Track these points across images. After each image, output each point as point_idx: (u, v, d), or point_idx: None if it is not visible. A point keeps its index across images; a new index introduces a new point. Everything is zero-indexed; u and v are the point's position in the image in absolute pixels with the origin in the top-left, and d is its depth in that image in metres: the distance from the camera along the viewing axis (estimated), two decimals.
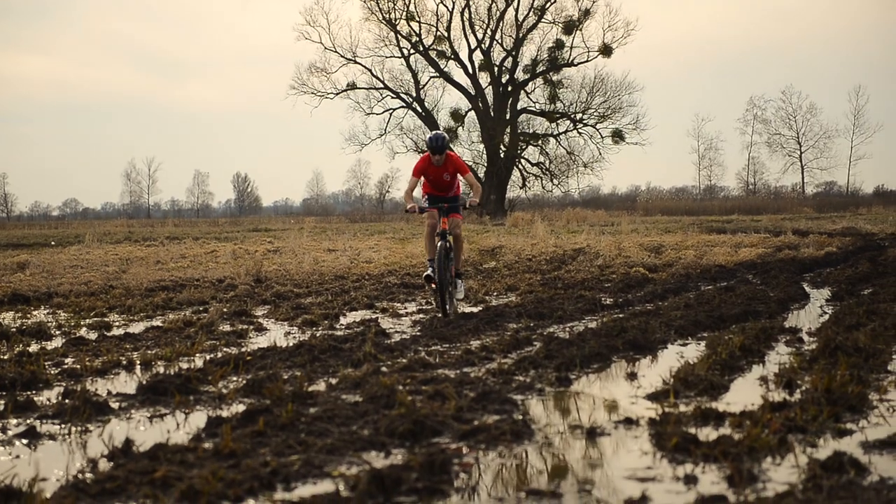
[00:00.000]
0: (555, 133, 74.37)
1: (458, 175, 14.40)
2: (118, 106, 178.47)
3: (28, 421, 7.19)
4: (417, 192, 15.03)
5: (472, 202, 14.13)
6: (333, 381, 8.65)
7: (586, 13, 72.44)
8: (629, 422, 6.94)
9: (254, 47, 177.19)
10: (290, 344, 10.67)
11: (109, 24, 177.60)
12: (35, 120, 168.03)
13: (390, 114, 74.53)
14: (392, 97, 74.32)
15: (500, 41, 74.15)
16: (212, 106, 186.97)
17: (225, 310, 14.27)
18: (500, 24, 73.73)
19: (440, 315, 13.58)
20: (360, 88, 73.79)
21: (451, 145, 74.53)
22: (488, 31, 73.78)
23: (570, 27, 72.70)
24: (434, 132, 14.15)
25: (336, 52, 73.10)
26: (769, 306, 13.77)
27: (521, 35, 73.64)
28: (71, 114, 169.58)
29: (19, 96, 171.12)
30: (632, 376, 8.86)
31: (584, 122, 73.43)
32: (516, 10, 73.60)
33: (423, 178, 14.36)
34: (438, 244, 13.73)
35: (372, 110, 74.12)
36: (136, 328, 12.72)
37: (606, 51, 72.10)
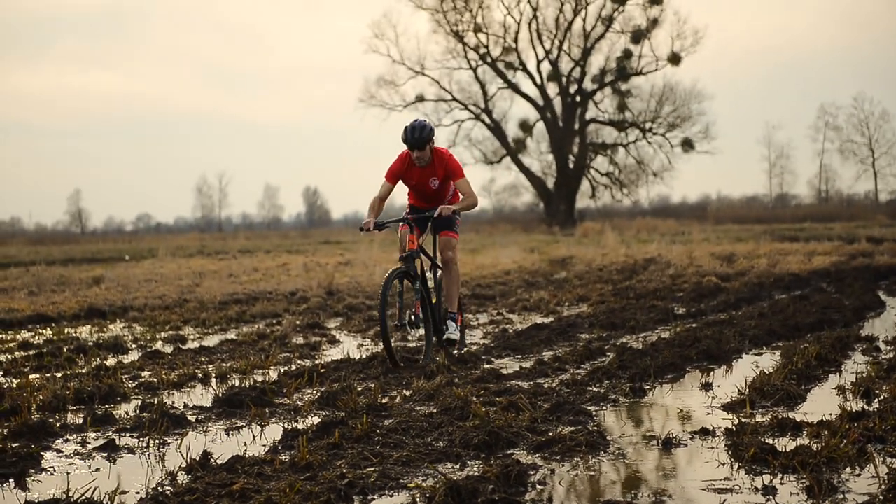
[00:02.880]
0: (624, 142, 74.05)
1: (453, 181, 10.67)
2: (189, 121, 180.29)
3: (107, 434, 7.28)
4: (392, 200, 11.70)
5: (442, 210, 10.37)
6: (407, 392, 8.67)
7: (654, 22, 72.06)
8: (705, 432, 6.88)
9: (322, 60, 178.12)
10: (363, 356, 10.72)
11: (179, 40, 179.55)
12: (108, 136, 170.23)
13: (459, 125, 74.59)
14: (460, 108, 74.36)
15: (567, 51, 73.97)
16: (281, 119, 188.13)
17: (298, 322, 14.35)
18: (568, 34, 73.56)
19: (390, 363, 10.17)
20: (428, 100, 73.95)
21: (519, 155, 74.44)
22: (556, 42, 73.65)
23: (639, 36, 72.34)
24: (415, 120, 10.55)
25: (404, 64, 73.30)
26: (844, 315, 13.60)
27: (588, 45, 73.42)
28: (143, 129, 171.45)
29: (93, 113, 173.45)
30: (706, 386, 8.79)
31: (654, 131, 73.01)
32: (584, 20, 73.39)
33: (408, 187, 10.99)
34: (394, 271, 10.27)
35: (440, 122, 74.20)
36: (211, 341, 12.84)
37: (675, 59, 71.66)
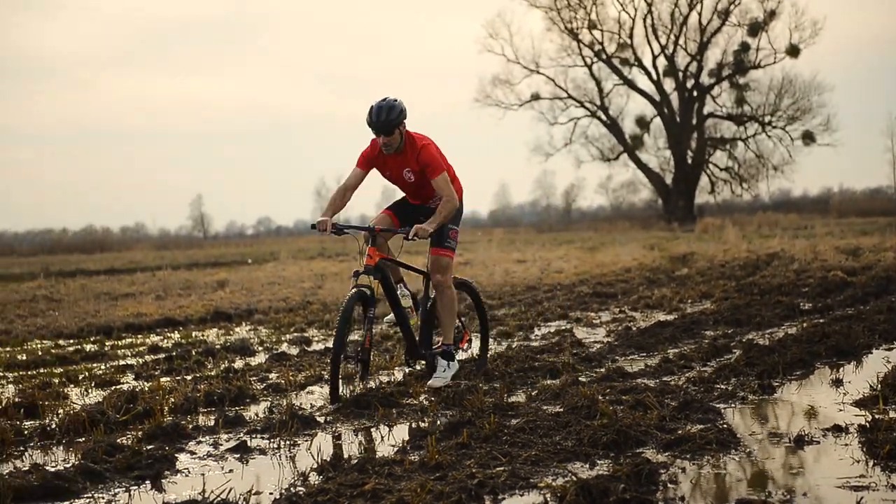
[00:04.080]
0: (743, 137, 73.00)
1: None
2: (307, 125, 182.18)
3: (239, 436, 7.40)
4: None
5: (417, 232, 8.62)
6: (533, 392, 8.65)
7: (772, 14, 70.88)
8: (837, 429, 6.76)
9: (435, 61, 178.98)
10: (488, 355, 10.72)
11: (295, 46, 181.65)
12: (228, 142, 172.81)
13: (575, 123, 74.20)
14: (576, 106, 73.97)
15: (683, 46, 73.14)
16: None
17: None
18: (684, 28, 72.76)
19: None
20: (543, 99, 73.75)
21: (636, 152, 73.88)
22: (671, 37, 72.88)
23: (756, 29, 71.23)
24: (383, 98, 8.91)
25: (519, 63, 73.19)
26: None
27: (705, 39, 72.52)
28: (262, 135, 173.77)
29: (212, 119, 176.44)
30: (837, 382, 8.64)
31: (773, 124, 71.84)
32: (700, 15, 72.49)
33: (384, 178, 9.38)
34: (352, 293, 8.71)
35: (556, 120, 73.94)
36: None
37: (793, 51, 70.42)
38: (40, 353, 12.93)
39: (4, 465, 6.65)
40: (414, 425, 7.46)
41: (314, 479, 5.98)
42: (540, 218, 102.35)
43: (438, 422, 7.47)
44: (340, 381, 8.85)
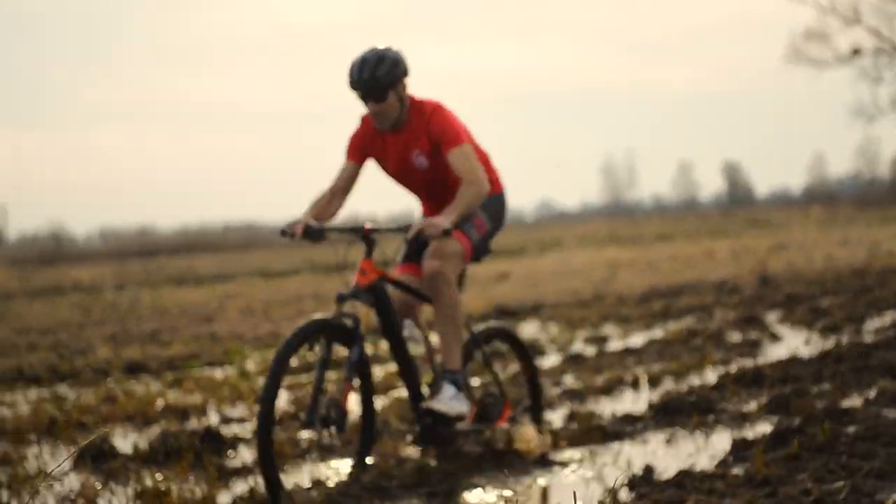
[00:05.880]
0: None
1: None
2: (588, 96, 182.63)
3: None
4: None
5: (425, 229, 6.64)
6: (871, 394, 8.44)
7: None
8: None
9: (736, 15, 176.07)
10: (813, 353, 10.51)
11: (574, 9, 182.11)
12: (507, 115, 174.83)
13: None
14: None
15: None
16: (693, 86, 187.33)
17: (731, 316, 14.27)
18: None
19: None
20: (866, 54, 71.53)
21: None
22: None
23: None
24: (368, 49, 6.92)
25: (835, 13, 71.25)
26: None
27: None
28: (538, 109, 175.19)
29: (487, 92, 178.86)
30: None
31: None
32: None
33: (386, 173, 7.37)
34: (310, 325, 6.70)
35: (882, 77, 71.64)
36: (636, 340, 12.94)
37: None
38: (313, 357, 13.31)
39: (285, 480, 6.72)
40: (735, 434, 7.39)
41: (625, 495, 6.02)
42: (863, 192, 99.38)
43: (763, 430, 7.38)
44: (280, 472, 6.44)
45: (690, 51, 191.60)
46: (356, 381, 6.82)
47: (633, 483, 6.16)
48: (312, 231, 6.82)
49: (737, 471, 6.23)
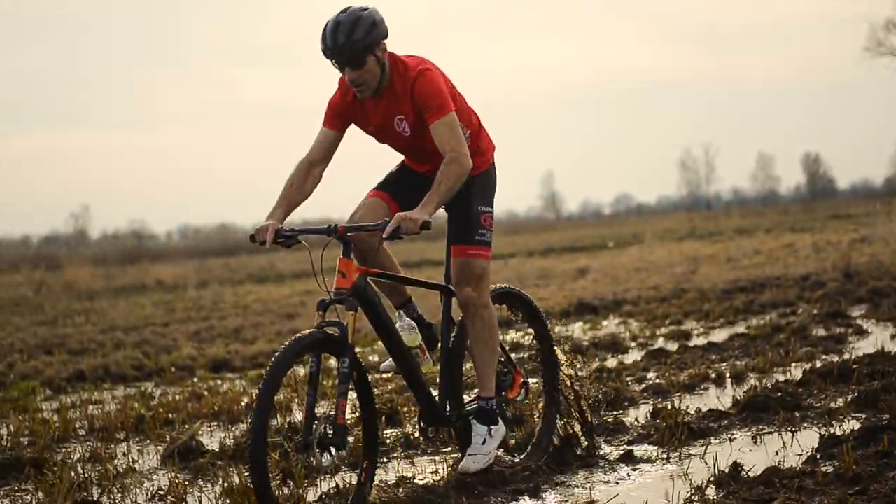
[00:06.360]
0: None
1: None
2: (668, 89, 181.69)
3: (622, 444, 7.50)
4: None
5: (400, 225, 6.05)
6: None
7: None
8: None
9: (821, 8, 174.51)
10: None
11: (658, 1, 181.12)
12: (579, 112, 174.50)
13: None
14: None
15: None
16: (772, 78, 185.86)
17: (815, 311, 14.13)
18: None
19: None
20: None
21: None
22: None
23: None
24: (343, 9, 6.31)
25: None
26: None
27: None
28: (617, 102, 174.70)
29: (561, 88, 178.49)
30: None
31: None
32: None
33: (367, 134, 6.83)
34: (301, 339, 5.93)
35: None
36: (719, 336, 12.88)
37: None
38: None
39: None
40: (823, 431, 7.31)
41: (712, 493, 5.98)
42: None
43: (851, 427, 7.31)
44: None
45: (770, 43, 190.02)
46: (352, 392, 6.13)
47: (720, 481, 6.13)
48: (284, 235, 6.25)
49: (825, 468, 6.18)
